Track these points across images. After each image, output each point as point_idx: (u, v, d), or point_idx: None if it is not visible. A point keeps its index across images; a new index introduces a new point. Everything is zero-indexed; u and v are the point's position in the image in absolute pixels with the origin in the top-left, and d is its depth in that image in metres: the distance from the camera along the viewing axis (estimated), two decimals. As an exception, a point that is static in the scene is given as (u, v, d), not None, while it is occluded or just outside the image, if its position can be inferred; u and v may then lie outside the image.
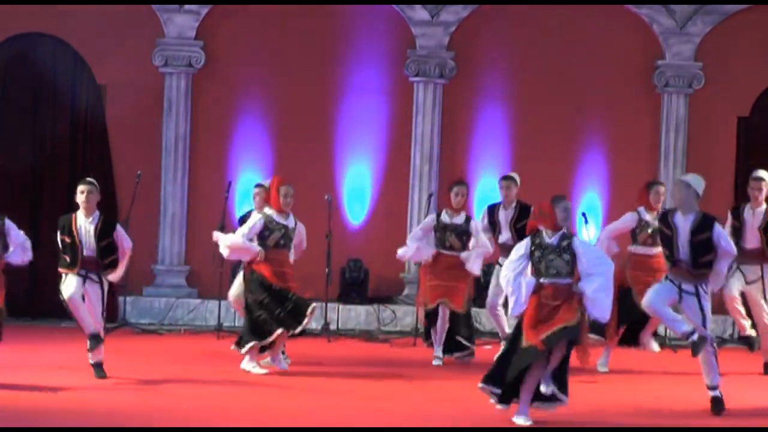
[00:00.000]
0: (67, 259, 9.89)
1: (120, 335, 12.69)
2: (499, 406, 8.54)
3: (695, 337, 8.81)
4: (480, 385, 8.51)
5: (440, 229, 11.29)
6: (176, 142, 14.01)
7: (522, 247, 8.57)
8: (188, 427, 8.03)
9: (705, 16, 14.33)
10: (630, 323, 10.83)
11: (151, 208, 13.79)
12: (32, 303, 13.69)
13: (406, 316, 13.66)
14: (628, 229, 11.06)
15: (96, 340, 9.78)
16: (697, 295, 8.98)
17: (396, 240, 13.55)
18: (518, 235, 10.99)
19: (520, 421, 8.43)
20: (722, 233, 9.14)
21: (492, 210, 11.62)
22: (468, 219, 11.33)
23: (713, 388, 9.08)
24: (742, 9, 14.30)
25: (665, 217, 9.17)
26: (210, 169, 14.11)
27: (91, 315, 9.84)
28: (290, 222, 10.55)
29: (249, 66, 14.21)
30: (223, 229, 12.81)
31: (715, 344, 9.12)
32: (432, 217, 11.49)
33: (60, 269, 9.98)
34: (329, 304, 13.13)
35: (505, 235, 11.45)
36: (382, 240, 13.88)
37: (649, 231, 10.85)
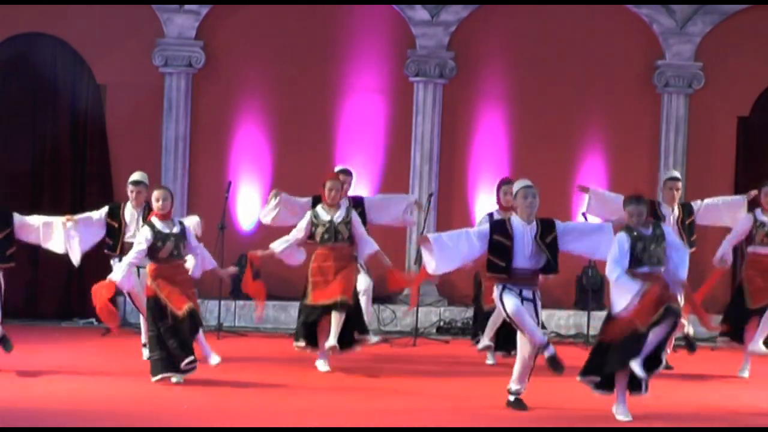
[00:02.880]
0: None
1: (120, 335, 12.68)
2: (598, 392, 8.77)
3: (549, 352, 8.83)
4: (578, 377, 8.76)
5: None
6: (176, 142, 14.01)
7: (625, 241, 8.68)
8: (188, 427, 8.04)
9: (705, 16, 14.33)
10: (737, 322, 10.99)
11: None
12: (32, 303, 13.68)
13: (406, 316, 13.66)
14: (746, 234, 11.07)
15: None
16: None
17: (396, 240, 13.60)
18: None
19: (621, 417, 8.67)
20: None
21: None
22: None
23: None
24: (742, 9, 14.31)
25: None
26: (210, 169, 14.11)
27: None
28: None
29: (249, 66, 14.21)
30: (223, 229, 12.83)
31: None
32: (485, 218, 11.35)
33: None
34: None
35: None
36: (382, 240, 13.85)
37: (766, 231, 10.90)
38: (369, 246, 10.79)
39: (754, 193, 11.28)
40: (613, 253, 8.64)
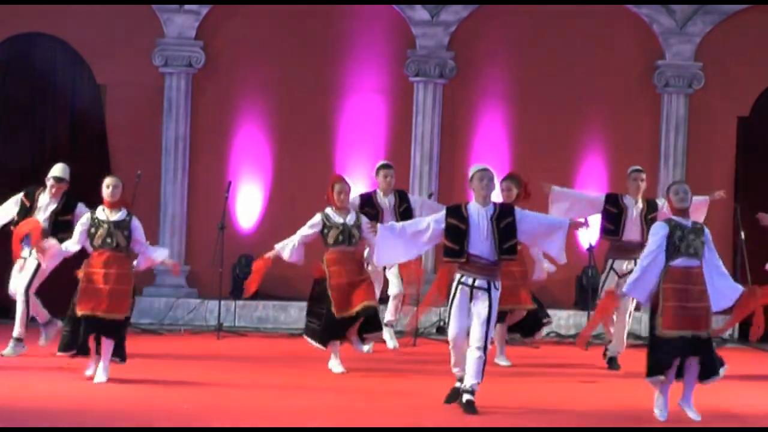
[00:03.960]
0: None
1: (120, 335, 12.70)
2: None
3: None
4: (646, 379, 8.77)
5: None
6: (176, 142, 14.01)
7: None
8: (188, 427, 8.03)
9: (705, 16, 14.33)
10: None
11: (151, 208, 13.77)
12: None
13: (406, 316, 13.64)
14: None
15: None
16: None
17: (396, 240, 13.55)
18: None
19: (692, 415, 8.72)
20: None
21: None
22: None
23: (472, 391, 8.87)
24: (742, 9, 14.31)
25: None
26: (210, 169, 14.11)
27: None
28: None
29: (249, 66, 14.21)
30: (223, 229, 12.83)
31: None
32: None
33: None
34: (329, 304, 13.14)
35: None
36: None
37: None
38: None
39: (721, 193, 11.46)
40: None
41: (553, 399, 9.48)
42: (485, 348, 8.74)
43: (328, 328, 10.43)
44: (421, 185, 14.11)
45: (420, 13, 14.18)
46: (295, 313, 13.60)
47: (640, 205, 11.24)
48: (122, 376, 9.88)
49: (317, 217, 10.65)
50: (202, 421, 8.23)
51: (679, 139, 14.31)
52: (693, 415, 8.74)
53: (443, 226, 8.81)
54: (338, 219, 10.59)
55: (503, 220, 8.77)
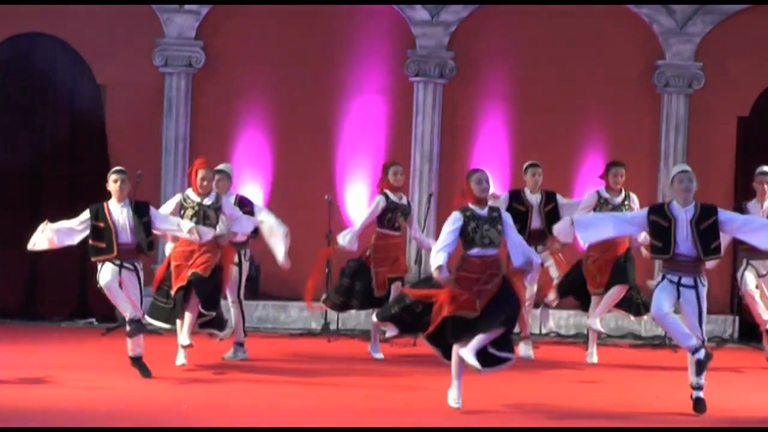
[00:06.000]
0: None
1: (120, 335, 12.67)
2: None
3: (701, 354, 8.84)
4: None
5: None
6: (176, 142, 14.01)
7: None
8: (188, 427, 8.04)
9: (705, 16, 14.33)
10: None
11: (151, 208, 13.77)
12: (32, 303, 13.68)
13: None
14: (591, 210, 11.43)
15: (136, 325, 9.83)
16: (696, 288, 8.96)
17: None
18: (548, 220, 11.66)
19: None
20: None
21: (518, 194, 12.04)
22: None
23: (697, 387, 9.07)
24: (742, 9, 14.31)
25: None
26: (210, 169, 14.09)
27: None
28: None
29: (249, 66, 14.21)
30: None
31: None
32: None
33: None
34: (329, 304, 13.14)
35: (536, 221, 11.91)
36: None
37: (610, 208, 11.36)
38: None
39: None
40: None
41: (553, 399, 9.48)
42: (704, 342, 8.93)
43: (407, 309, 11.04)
44: (421, 185, 14.11)
45: (420, 13, 14.18)
46: (295, 313, 13.60)
47: (538, 197, 11.88)
48: (122, 376, 9.89)
49: (381, 201, 11.42)
50: (202, 421, 8.23)
51: (679, 139, 14.31)
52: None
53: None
54: (397, 200, 11.43)
55: (705, 220, 8.90)
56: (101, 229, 9.89)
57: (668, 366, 11.51)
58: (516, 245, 8.78)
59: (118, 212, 9.98)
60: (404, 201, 11.63)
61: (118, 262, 9.91)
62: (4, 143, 13.67)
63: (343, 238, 11.45)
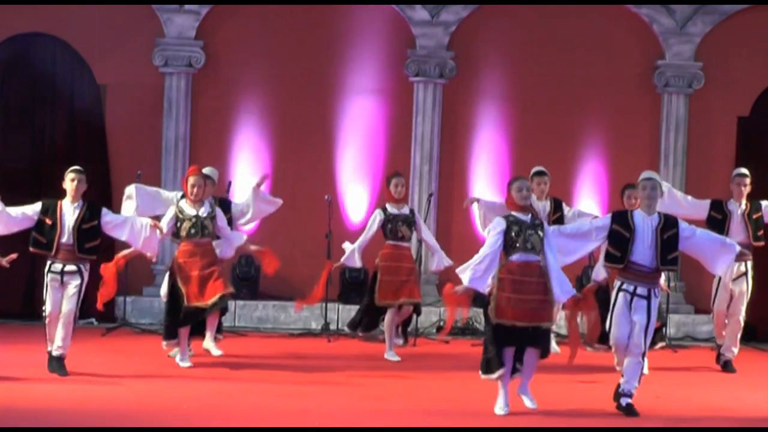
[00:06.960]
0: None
1: (120, 335, 12.71)
2: None
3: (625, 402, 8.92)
4: None
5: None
6: (176, 142, 14.01)
7: None
8: (188, 427, 8.04)
9: (705, 16, 14.33)
10: None
11: (151, 208, 13.77)
12: (32, 303, 13.67)
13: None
14: None
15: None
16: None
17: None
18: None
19: (529, 404, 8.83)
20: None
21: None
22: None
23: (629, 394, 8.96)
24: (742, 9, 14.31)
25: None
26: (210, 169, 14.10)
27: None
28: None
29: (249, 66, 14.21)
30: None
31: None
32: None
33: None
34: (329, 304, 13.14)
35: None
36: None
37: None
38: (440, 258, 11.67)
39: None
40: None
41: (553, 399, 9.47)
42: (644, 354, 8.91)
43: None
44: (421, 185, 14.11)
45: (420, 13, 14.18)
46: (295, 313, 13.60)
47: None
48: (122, 376, 9.88)
49: (379, 216, 11.41)
50: (202, 421, 8.23)
51: (679, 139, 14.31)
52: (530, 404, 8.83)
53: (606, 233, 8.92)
54: (395, 211, 11.37)
55: (668, 231, 8.82)
56: (47, 226, 9.82)
57: (668, 366, 11.51)
58: (554, 270, 8.70)
59: (70, 212, 9.87)
60: (405, 210, 11.54)
61: (60, 266, 9.83)
62: (4, 143, 13.67)
63: (345, 257, 11.51)
